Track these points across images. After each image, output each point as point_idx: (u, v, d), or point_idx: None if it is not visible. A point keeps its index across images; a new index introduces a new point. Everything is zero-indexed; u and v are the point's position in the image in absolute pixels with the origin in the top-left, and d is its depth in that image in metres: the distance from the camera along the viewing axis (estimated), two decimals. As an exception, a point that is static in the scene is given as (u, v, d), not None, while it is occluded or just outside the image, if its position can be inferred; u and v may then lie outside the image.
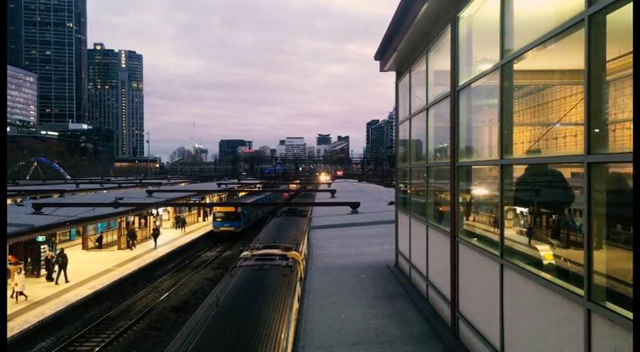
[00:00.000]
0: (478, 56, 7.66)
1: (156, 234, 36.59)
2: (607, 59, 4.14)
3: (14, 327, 17.46)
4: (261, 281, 10.33)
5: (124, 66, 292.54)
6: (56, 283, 23.74)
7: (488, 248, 6.70)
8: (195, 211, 51.65)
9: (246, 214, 43.67)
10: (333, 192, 46.62)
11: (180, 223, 45.00)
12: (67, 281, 24.10)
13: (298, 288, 11.18)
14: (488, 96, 7.51)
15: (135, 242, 34.56)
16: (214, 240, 41.65)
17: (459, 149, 8.12)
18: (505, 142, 6.13)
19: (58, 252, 25.32)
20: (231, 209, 42.06)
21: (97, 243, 33.62)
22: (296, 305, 9.95)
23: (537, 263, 5.39)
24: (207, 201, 57.26)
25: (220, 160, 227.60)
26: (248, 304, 8.74)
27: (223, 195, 64.01)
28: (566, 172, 5.33)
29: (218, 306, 8.54)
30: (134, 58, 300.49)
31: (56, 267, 24.32)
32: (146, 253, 32.75)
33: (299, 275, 11.94)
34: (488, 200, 7.68)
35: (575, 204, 4.97)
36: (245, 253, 14.04)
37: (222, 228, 41.75)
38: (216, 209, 43.77)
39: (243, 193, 65.73)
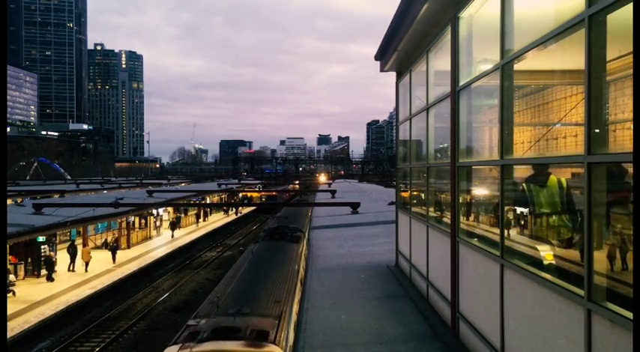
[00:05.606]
0: (478, 56, 7.66)
1: (114, 247, 29.81)
2: (607, 59, 4.14)
3: (14, 327, 17.48)
4: None
5: (124, 66, 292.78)
6: (73, 270, 26.24)
7: (489, 248, 6.70)
8: (196, 211, 52.18)
9: (277, 198, 71.66)
10: (333, 192, 46.65)
11: (178, 224, 46.14)
12: (73, 270, 25.89)
13: None
14: (488, 97, 7.51)
15: (178, 228, 41.13)
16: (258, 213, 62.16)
17: (459, 149, 8.11)
18: (505, 142, 6.12)
19: (69, 243, 27.77)
20: (272, 193, 74.23)
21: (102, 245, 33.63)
22: None
23: (537, 263, 5.39)
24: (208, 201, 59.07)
25: (221, 160, 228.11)
26: None
27: (223, 196, 65.31)
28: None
29: None
30: (134, 58, 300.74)
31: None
32: (146, 253, 32.76)
33: None
34: (489, 200, 7.68)
35: (576, 204, 4.97)
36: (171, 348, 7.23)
37: None
38: (262, 193, 75.98)
39: (249, 194, 74.99)
